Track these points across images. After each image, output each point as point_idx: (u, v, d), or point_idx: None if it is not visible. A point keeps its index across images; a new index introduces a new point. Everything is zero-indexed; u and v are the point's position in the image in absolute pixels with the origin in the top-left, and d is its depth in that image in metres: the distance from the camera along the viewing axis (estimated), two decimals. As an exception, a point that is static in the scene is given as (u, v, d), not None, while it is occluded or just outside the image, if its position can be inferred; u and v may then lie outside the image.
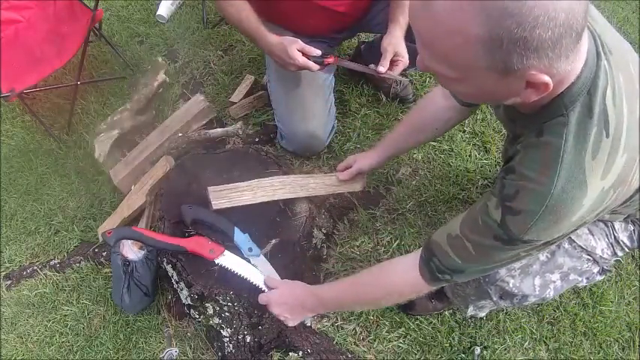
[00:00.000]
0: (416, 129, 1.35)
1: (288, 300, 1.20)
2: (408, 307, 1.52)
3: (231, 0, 1.48)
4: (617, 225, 1.07)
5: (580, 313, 1.55)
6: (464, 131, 1.86)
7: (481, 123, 1.88)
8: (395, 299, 1.11)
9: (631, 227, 1.08)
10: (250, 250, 1.33)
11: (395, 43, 1.45)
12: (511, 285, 1.05)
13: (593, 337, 1.53)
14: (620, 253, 1.10)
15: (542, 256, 1.05)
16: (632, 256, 1.66)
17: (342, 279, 1.22)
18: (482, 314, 1.45)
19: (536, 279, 1.05)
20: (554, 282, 1.07)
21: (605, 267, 1.11)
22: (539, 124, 0.75)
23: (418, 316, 1.52)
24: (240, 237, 1.34)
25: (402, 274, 1.01)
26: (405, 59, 1.46)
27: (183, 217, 1.38)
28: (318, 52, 1.43)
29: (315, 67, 1.43)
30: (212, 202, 1.41)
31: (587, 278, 1.12)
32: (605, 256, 1.08)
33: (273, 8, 1.55)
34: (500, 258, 0.85)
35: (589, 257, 1.07)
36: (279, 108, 1.67)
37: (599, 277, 1.13)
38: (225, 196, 1.43)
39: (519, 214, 0.75)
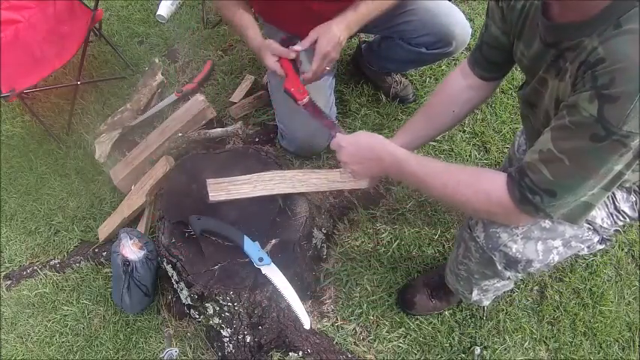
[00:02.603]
0: (434, 114, 1.30)
1: (362, 151, 1.08)
2: (407, 307, 1.52)
3: (225, 1, 1.48)
4: (618, 195, 1.08)
5: (580, 313, 1.55)
6: (464, 131, 1.87)
7: (481, 123, 1.88)
8: (478, 208, 0.99)
9: (633, 198, 1.09)
10: (261, 260, 1.32)
11: (319, 32, 1.37)
12: (514, 250, 1.03)
13: (593, 337, 1.53)
14: (620, 223, 1.11)
15: (544, 223, 1.04)
16: (632, 256, 1.66)
17: (431, 159, 1.07)
18: (487, 302, 1.43)
19: (538, 244, 1.04)
20: (557, 247, 1.06)
21: (604, 236, 1.11)
22: (613, 20, 0.76)
23: (418, 316, 1.53)
24: (251, 246, 1.33)
25: (493, 188, 0.93)
26: (320, 49, 1.36)
27: (191, 228, 1.37)
28: (292, 55, 1.37)
29: (281, 72, 1.38)
30: (210, 194, 1.40)
31: (589, 247, 1.12)
32: (604, 225, 1.08)
33: (273, 13, 1.55)
34: (595, 167, 0.81)
35: (589, 226, 1.08)
36: (280, 108, 1.67)
37: (599, 247, 1.13)
38: (224, 188, 1.42)
39: (618, 99, 0.74)
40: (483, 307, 1.53)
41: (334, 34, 1.35)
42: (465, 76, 1.22)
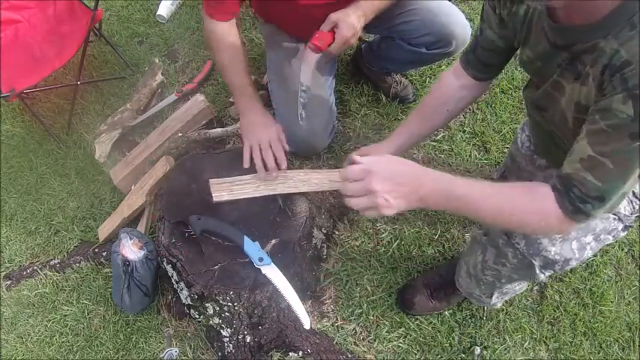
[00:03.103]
0: (428, 113, 1.32)
1: (399, 176, 0.90)
2: (407, 307, 1.52)
3: (223, 45, 1.46)
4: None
5: (580, 313, 1.55)
6: (464, 131, 1.86)
7: (481, 123, 1.88)
8: (535, 228, 0.96)
9: None
10: (261, 260, 1.32)
11: (339, 15, 1.37)
12: (553, 252, 1.06)
13: (593, 337, 1.53)
14: (636, 207, 1.12)
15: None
16: (632, 256, 1.66)
17: (475, 180, 0.96)
18: (500, 304, 1.45)
19: (573, 243, 1.07)
20: (589, 243, 1.09)
21: (627, 224, 1.13)
22: (626, 20, 0.77)
23: (418, 316, 1.53)
24: (251, 246, 1.33)
25: (547, 207, 0.90)
26: (342, 33, 1.36)
27: (191, 228, 1.37)
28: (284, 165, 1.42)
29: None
30: (213, 195, 1.41)
31: (614, 236, 1.14)
32: (626, 213, 1.10)
33: (273, 15, 1.56)
34: (636, 163, 0.82)
35: (614, 216, 1.10)
36: (280, 108, 1.67)
37: (622, 234, 1.15)
38: (227, 188, 1.43)
39: None
40: (484, 307, 1.54)
41: (352, 21, 1.37)
42: (458, 77, 1.23)
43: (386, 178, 0.89)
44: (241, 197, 1.43)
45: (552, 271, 1.11)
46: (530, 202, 0.91)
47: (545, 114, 1.06)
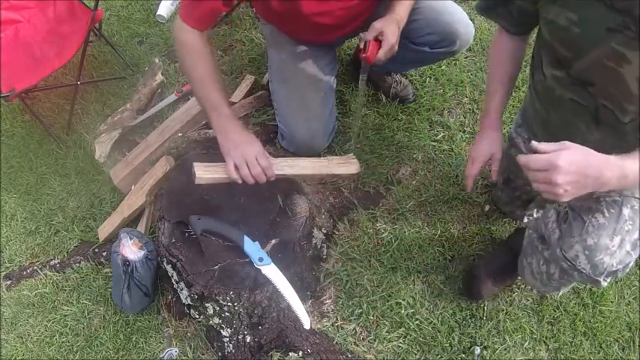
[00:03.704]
0: (513, 78, 1.30)
1: (581, 170, 0.90)
2: (475, 298, 1.53)
3: (199, 57, 1.39)
4: None
5: (580, 313, 1.55)
6: (464, 131, 1.87)
7: (481, 123, 1.88)
8: None
9: None
10: (261, 260, 1.32)
11: (383, 23, 1.40)
12: (615, 265, 1.09)
13: (593, 337, 1.53)
14: None
15: (627, 226, 1.09)
16: (632, 256, 1.66)
17: (628, 154, 0.96)
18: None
19: (627, 246, 1.09)
20: (639, 239, 1.11)
21: None
22: None
23: (418, 316, 1.53)
24: (251, 246, 1.33)
25: None
26: (388, 39, 1.39)
27: (191, 228, 1.37)
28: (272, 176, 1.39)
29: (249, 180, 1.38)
30: (195, 175, 1.37)
31: None
32: None
33: (276, 19, 1.56)
34: None
35: None
36: (281, 108, 1.67)
37: None
38: (212, 170, 1.40)
39: None
40: (484, 307, 1.54)
41: (394, 27, 1.41)
42: (510, 37, 1.23)
43: (570, 172, 0.89)
44: (225, 181, 1.38)
45: (615, 277, 1.14)
46: None
47: (593, 89, 1.01)
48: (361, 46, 1.42)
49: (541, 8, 1.03)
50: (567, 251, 1.12)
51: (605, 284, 1.15)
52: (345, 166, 1.55)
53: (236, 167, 1.35)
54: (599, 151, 0.95)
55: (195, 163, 1.41)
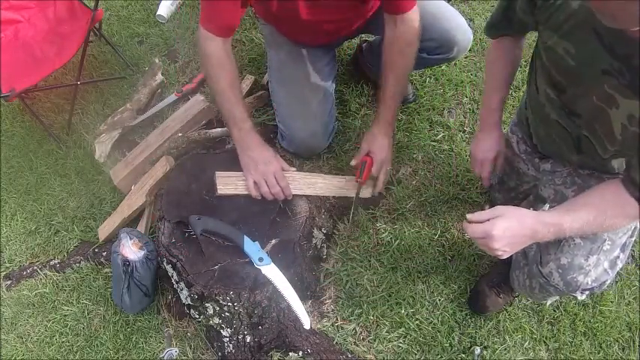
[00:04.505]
0: (508, 83, 1.31)
1: (515, 232, 1.01)
2: (482, 312, 1.53)
3: (224, 70, 1.41)
4: None
5: (580, 313, 1.55)
6: (464, 131, 1.86)
7: (481, 123, 1.88)
8: (626, 225, 1.11)
9: None
10: (261, 260, 1.32)
11: (369, 143, 1.49)
12: (590, 282, 1.12)
13: (593, 337, 1.53)
14: None
15: (606, 245, 1.12)
16: (632, 256, 1.66)
17: (570, 205, 1.05)
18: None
19: (605, 264, 1.12)
20: (618, 257, 1.14)
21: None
22: None
23: (418, 316, 1.53)
24: (251, 246, 1.34)
25: (632, 206, 0.99)
26: (377, 157, 1.48)
27: (191, 228, 1.37)
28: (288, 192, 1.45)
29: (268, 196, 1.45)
30: (218, 187, 1.43)
31: (632, 234, 1.17)
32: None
33: (275, 22, 1.57)
34: None
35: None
36: (280, 109, 1.67)
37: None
38: (232, 183, 1.45)
39: None
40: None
41: (382, 141, 1.49)
42: (510, 43, 1.25)
43: (504, 237, 1.00)
44: (246, 193, 1.44)
45: (592, 292, 1.18)
46: (621, 210, 1.00)
47: (579, 120, 1.04)
48: (358, 169, 1.50)
49: (541, 32, 1.04)
50: (543, 267, 1.16)
51: (582, 297, 1.20)
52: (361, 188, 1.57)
53: (255, 183, 1.43)
54: (581, 168, 1.09)
55: (217, 174, 1.45)
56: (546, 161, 1.28)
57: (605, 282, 1.14)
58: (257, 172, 1.43)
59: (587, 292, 1.17)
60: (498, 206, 1.05)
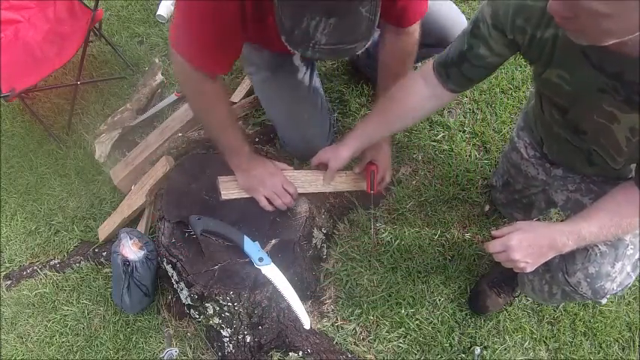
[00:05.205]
0: (392, 120, 1.30)
1: (533, 242, 1.03)
2: (482, 312, 1.53)
3: (219, 104, 1.33)
4: None
5: (580, 313, 1.55)
6: (464, 131, 1.86)
7: (481, 123, 1.87)
8: None
9: None
10: (261, 260, 1.32)
11: (372, 151, 1.49)
12: (615, 287, 1.12)
13: (593, 337, 1.53)
14: None
15: (629, 250, 1.12)
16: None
17: (588, 210, 1.06)
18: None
19: (628, 267, 1.12)
20: (638, 258, 1.14)
21: None
22: None
23: (418, 317, 1.53)
24: (251, 246, 1.34)
25: None
26: (381, 164, 1.50)
27: (191, 228, 1.38)
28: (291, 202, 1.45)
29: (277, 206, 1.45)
30: (221, 193, 1.43)
31: None
32: None
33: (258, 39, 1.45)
34: None
35: None
36: (274, 122, 1.66)
37: None
38: (235, 187, 1.44)
39: None
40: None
41: (385, 148, 1.51)
42: (431, 86, 1.19)
43: (522, 247, 1.03)
44: (248, 196, 1.44)
45: (615, 295, 1.23)
46: (635, 209, 1.01)
47: (585, 136, 1.06)
48: (366, 178, 1.52)
49: (534, 66, 1.06)
50: (570, 277, 1.14)
51: (604, 301, 1.21)
52: (360, 182, 1.57)
53: (267, 198, 1.43)
54: (596, 177, 1.11)
55: (219, 180, 1.45)
56: (557, 166, 1.27)
57: (627, 285, 1.14)
58: (266, 188, 1.42)
59: (608, 296, 1.17)
60: (518, 222, 1.08)
